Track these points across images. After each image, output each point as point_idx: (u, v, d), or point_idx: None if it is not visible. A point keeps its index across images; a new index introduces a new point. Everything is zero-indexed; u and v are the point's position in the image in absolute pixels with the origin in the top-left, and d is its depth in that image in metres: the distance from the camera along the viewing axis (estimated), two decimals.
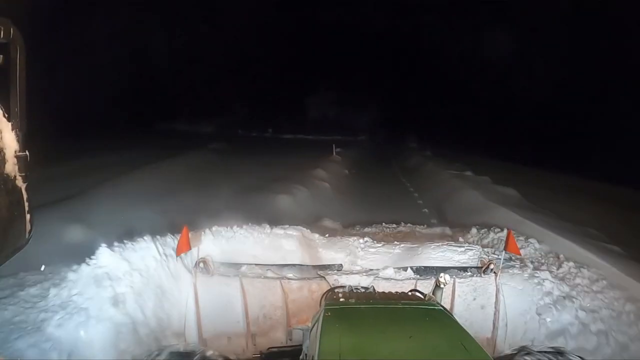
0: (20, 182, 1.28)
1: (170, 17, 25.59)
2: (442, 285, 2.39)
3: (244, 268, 3.59)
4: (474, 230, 5.68)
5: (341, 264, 3.54)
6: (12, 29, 0.99)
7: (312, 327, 2.14)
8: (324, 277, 3.40)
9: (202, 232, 3.91)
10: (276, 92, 31.53)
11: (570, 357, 2.19)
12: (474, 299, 3.35)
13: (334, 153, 14.74)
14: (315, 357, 1.70)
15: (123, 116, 21.34)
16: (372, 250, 3.92)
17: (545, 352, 2.30)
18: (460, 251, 3.84)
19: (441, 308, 2.14)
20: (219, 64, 29.31)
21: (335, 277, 3.36)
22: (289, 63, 31.74)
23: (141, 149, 13.60)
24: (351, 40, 31.72)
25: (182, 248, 3.61)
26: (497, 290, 3.36)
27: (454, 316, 2.15)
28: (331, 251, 3.97)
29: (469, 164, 13.02)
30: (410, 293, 2.65)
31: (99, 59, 19.39)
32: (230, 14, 28.27)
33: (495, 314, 3.31)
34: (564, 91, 19.46)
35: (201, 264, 3.56)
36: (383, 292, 2.75)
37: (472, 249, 3.76)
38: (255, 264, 3.61)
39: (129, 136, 17.22)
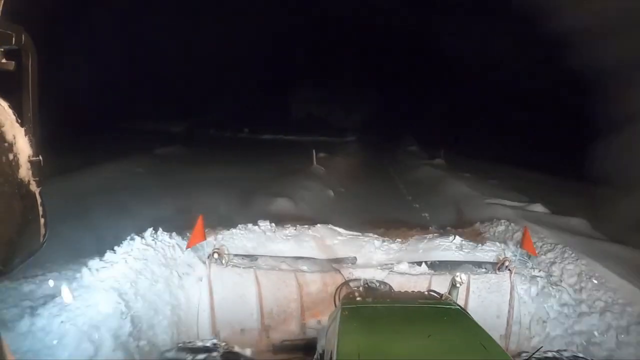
0: (34, 187, 1.27)
1: (147, 12, 23.33)
2: (458, 285, 2.36)
3: (258, 260, 3.59)
4: None
5: (355, 257, 3.51)
6: (23, 36, 0.98)
7: (329, 326, 2.14)
8: (338, 270, 3.39)
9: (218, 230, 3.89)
10: (258, 89, 28.78)
11: None
12: (488, 296, 3.32)
13: (315, 162, 11.53)
14: (334, 357, 1.70)
15: (92, 115, 19.52)
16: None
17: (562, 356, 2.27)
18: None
19: (458, 307, 2.12)
20: (196, 60, 26.72)
21: (350, 270, 3.35)
22: (272, 59, 28.97)
23: (75, 153, 10.67)
24: (340, 35, 28.75)
25: (196, 239, 3.61)
26: (512, 288, 3.32)
27: (471, 315, 2.12)
28: None
29: (507, 183, 9.06)
30: (427, 293, 2.62)
31: (77, 57, 18.10)
32: (209, 7, 25.95)
33: (509, 311, 3.27)
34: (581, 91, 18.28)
35: (215, 255, 3.56)
36: (399, 292, 2.74)
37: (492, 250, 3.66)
38: (270, 256, 3.60)
39: (81, 138, 14.16)
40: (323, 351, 2.11)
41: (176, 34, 25.04)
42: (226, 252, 3.62)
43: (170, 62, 25.69)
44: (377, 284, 3.05)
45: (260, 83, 29.10)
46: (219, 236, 3.81)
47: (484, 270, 3.43)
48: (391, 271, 3.35)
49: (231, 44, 26.60)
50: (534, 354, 2.22)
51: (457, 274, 2.37)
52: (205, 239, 3.68)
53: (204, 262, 3.56)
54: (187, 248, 3.60)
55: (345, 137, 23.16)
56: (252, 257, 3.61)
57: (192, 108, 26.32)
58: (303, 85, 29.79)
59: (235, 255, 3.62)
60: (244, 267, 3.54)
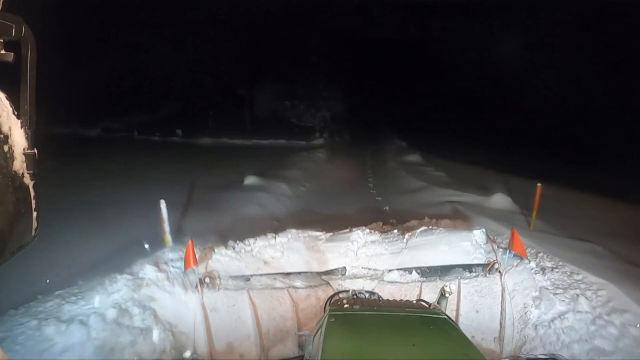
0: (27, 180, 1.27)
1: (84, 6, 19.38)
2: (447, 295, 2.41)
3: (251, 279, 3.57)
4: None
5: (344, 267, 3.53)
6: (23, 27, 1.06)
7: (316, 333, 2.14)
8: (327, 282, 3.40)
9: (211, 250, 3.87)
10: (211, 85, 22.72)
11: None
12: (480, 300, 3.34)
13: (169, 240, 4.69)
14: None
15: None
16: None
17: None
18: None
19: (445, 317, 2.15)
20: (135, 53, 21.13)
21: (339, 281, 3.36)
22: (227, 49, 22.69)
23: None
24: (307, 22, 22.54)
25: (189, 262, 3.57)
26: (503, 290, 3.35)
27: (459, 325, 2.15)
28: None
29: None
30: (416, 302, 2.65)
31: None
32: None
33: (501, 313, 3.28)
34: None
35: (207, 279, 3.52)
36: (388, 300, 2.75)
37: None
38: (261, 274, 3.59)
39: None
40: (310, 357, 2.10)
41: (117, 24, 20.79)
42: (217, 276, 3.59)
43: (103, 55, 20.69)
44: (366, 295, 3.06)
45: (214, 79, 23.52)
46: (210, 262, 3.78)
47: (474, 274, 3.46)
48: (381, 280, 3.37)
49: (181, 37, 21.63)
50: None
51: (446, 284, 2.43)
52: (197, 264, 3.65)
53: (197, 288, 3.51)
54: (185, 270, 3.58)
55: (311, 139, 18.75)
56: (244, 277, 3.59)
57: (121, 108, 21.66)
58: (265, 79, 23.81)
59: (228, 276, 3.58)
60: (236, 290, 3.51)
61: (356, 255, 3.60)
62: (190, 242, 3.70)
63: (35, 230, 1.44)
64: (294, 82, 22.92)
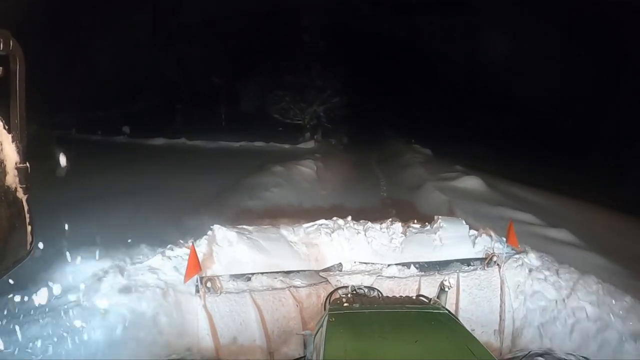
0: (21, 194, 1.27)
1: None
2: (446, 289, 2.41)
3: (252, 280, 3.54)
4: None
5: (340, 263, 3.53)
6: (11, 41, 1.04)
7: (316, 332, 2.14)
8: (326, 279, 3.40)
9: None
10: (176, 74, 19.78)
11: None
12: (479, 293, 3.36)
13: None
14: None
15: None
16: None
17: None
18: None
19: (446, 312, 2.16)
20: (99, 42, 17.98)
21: (338, 277, 3.36)
22: (201, 32, 19.56)
23: None
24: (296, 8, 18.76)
25: (192, 271, 3.25)
26: (502, 283, 3.38)
27: (459, 319, 2.16)
28: None
29: None
30: (416, 297, 2.66)
31: None
32: None
33: (501, 306, 3.32)
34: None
35: (208, 284, 3.46)
36: (387, 297, 2.76)
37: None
38: (262, 273, 3.56)
39: None
40: (311, 357, 2.11)
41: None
42: (218, 278, 3.52)
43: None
44: (365, 290, 3.06)
45: (183, 67, 20.40)
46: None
47: (472, 267, 3.49)
48: (379, 276, 3.38)
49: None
50: (523, 357, 2.24)
51: (445, 278, 2.43)
52: (202, 270, 3.35)
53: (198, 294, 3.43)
54: (185, 282, 3.43)
55: (299, 141, 15.26)
56: (245, 277, 3.56)
57: (66, 101, 18.17)
58: (249, 68, 19.71)
59: (229, 276, 3.54)
60: (238, 293, 3.46)
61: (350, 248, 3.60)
62: (192, 246, 3.52)
63: (30, 244, 1.43)
64: (280, 69, 18.44)
